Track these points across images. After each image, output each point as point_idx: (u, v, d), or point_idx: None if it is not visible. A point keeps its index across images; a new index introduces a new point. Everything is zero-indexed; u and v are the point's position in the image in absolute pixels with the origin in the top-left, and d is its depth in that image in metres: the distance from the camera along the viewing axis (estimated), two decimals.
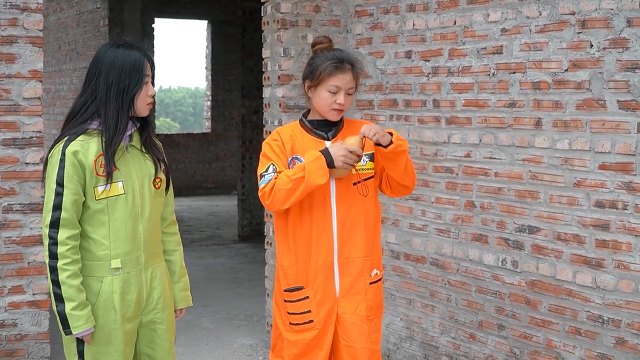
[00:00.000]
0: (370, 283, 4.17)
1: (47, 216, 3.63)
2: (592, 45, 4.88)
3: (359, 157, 3.98)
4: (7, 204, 5.61)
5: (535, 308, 5.31)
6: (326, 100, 4.08)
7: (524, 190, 5.35)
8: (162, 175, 3.90)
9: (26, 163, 5.64)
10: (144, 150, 3.86)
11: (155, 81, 3.90)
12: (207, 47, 19.60)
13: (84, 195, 3.67)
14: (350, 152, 3.94)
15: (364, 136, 3.94)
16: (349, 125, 4.23)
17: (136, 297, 3.77)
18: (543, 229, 5.24)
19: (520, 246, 5.40)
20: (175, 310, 4.05)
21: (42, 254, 5.69)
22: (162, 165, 3.92)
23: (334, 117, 4.12)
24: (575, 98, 4.99)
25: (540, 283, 5.27)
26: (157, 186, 3.86)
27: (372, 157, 4.15)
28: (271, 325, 6.94)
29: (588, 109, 4.92)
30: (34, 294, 5.72)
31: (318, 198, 4.08)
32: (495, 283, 5.59)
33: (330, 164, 3.94)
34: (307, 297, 4.11)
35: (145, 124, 3.89)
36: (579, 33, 4.95)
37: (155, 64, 3.87)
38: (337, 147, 3.96)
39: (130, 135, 3.82)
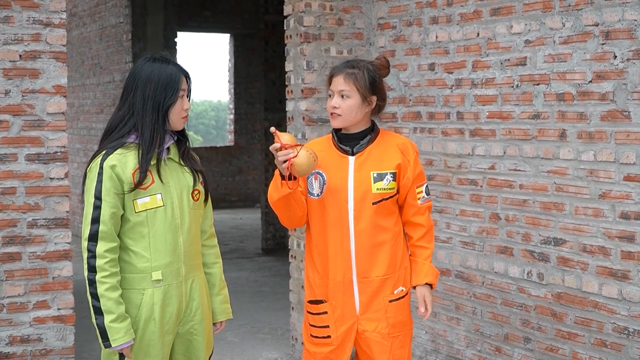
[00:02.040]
0: (391, 301, 4.09)
1: (86, 229, 3.65)
2: (615, 57, 4.86)
3: (286, 147, 3.79)
4: (32, 219, 5.63)
5: (561, 320, 5.28)
6: (327, 107, 4.11)
7: (549, 202, 5.32)
8: (200, 187, 3.90)
9: (50, 178, 5.65)
10: (182, 162, 3.88)
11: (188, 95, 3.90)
12: (229, 60, 19.66)
13: (123, 209, 3.69)
14: (277, 151, 3.81)
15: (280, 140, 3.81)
16: (384, 139, 4.15)
17: (176, 308, 3.79)
18: (568, 241, 5.21)
19: (545, 258, 5.37)
20: (214, 323, 4.06)
21: (66, 269, 5.71)
22: (200, 177, 3.93)
23: (332, 122, 4.09)
24: (600, 109, 4.97)
25: (566, 295, 5.24)
26: (195, 198, 3.86)
27: (394, 177, 4.07)
28: (296, 339, 6.95)
29: (612, 120, 4.90)
30: (59, 309, 5.73)
31: (335, 215, 4.05)
32: (520, 295, 5.56)
33: (281, 173, 3.89)
34: (326, 312, 4.09)
35: (182, 137, 3.92)
36: (603, 44, 4.92)
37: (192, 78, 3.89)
38: None
39: (168, 148, 3.84)
